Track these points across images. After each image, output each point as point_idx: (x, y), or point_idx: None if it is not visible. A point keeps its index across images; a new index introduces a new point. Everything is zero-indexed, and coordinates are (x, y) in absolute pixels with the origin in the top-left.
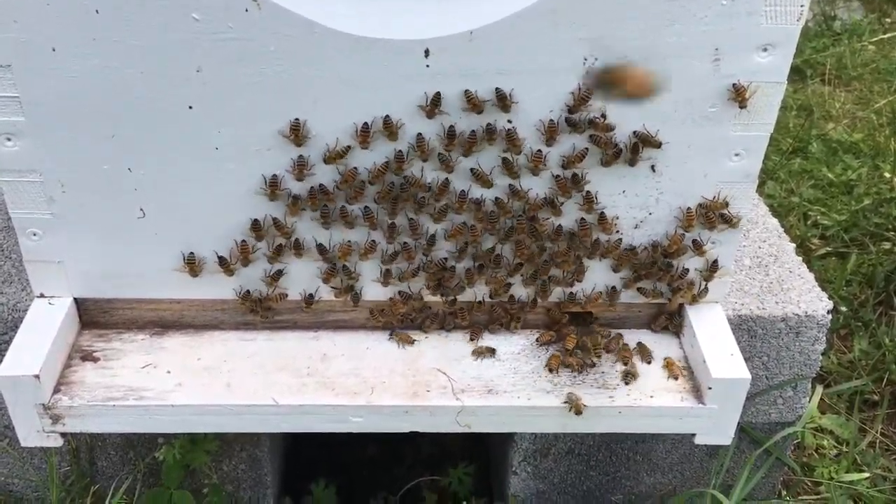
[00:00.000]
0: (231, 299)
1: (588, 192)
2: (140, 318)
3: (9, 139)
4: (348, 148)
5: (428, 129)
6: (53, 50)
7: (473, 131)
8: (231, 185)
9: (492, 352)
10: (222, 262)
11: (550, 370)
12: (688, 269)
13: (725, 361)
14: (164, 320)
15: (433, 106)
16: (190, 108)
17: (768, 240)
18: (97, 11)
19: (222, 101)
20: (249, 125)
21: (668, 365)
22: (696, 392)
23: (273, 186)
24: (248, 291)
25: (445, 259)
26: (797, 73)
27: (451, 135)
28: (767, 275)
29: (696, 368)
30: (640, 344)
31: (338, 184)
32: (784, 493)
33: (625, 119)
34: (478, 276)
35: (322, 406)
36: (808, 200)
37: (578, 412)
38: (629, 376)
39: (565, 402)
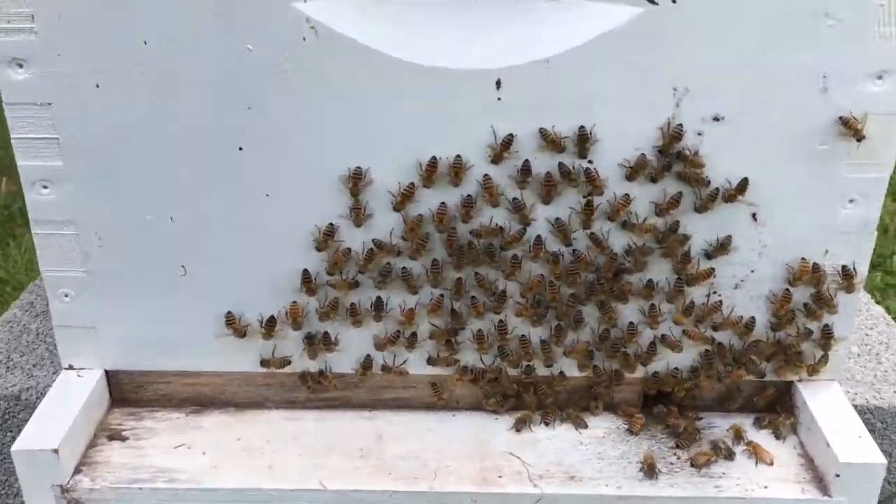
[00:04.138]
0: (278, 373)
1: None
2: (176, 395)
3: (45, 186)
4: (413, 186)
5: (496, 174)
6: (97, 86)
7: (549, 173)
8: (282, 235)
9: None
10: (269, 323)
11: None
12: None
13: (854, 444)
14: (202, 397)
15: (503, 148)
16: (240, 149)
17: (875, 327)
18: (146, 42)
19: (275, 140)
20: (305, 168)
21: (755, 449)
22: (819, 482)
23: (328, 236)
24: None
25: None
26: None
27: (525, 170)
28: (880, 363)
29: (816, 455)
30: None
31: (403, 234)
32: None
33: (721, 156)
34: (556, 342)
35: (377, 492)
36: None
37: (651, 469)
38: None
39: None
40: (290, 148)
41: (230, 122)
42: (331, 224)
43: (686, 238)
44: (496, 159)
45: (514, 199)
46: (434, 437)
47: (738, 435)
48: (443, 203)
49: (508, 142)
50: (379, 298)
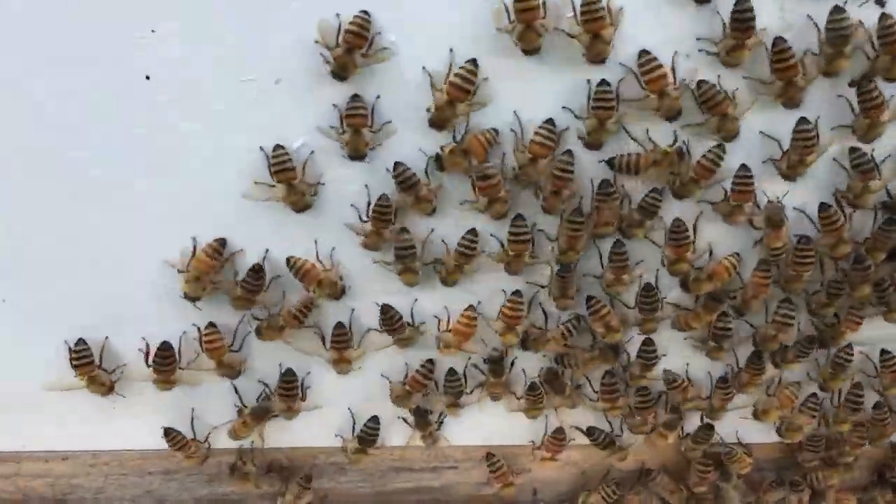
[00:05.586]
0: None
1: None
2: None
3: None
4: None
5: None
6: None
7: None
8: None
9: None
10: (165, 359)
11: None
12: None
13: None
14: (31, 500)
15: None
16: None
17: None
18: None
19: None
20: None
21: None
22: None
23: (282, 172)
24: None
25: None
26: None
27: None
28: None
29: None
30: None
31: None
32: None
33: None
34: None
35: None
36: None
37: None
38: None
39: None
40: None
41: None
42: (283, 145)
43: None
44: None
45: None
46: None
47: None
48: None
49: None
50: (387, 306)
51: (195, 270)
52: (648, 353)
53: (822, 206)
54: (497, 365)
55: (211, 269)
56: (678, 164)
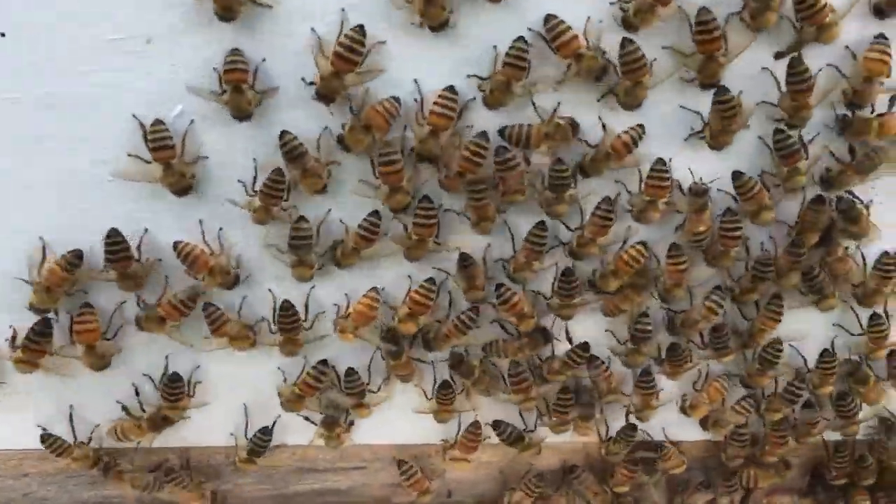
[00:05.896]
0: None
1: None
2: None
3: None
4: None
5: None
6: None
7: None
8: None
9: None
10: (41, 335)
11: None
12: None
13: None
14: None
15: None
16: None
17: None
18: None
19: None
20: None
21: None
22: None
23: (160, 150)
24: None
25: None
26: None
27: None
28: None
29: None
30: None
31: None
32: None
33: None
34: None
35: None
36: None
37: None
38: None
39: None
40: None
41: None
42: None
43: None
44: None
45: None
46: None
47: None
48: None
49: None
50: (288, 303)
51: (46, 281)
52: (577, 356)
53: (735, 175)
54: (394, 344)
55: (64, 282)
56: (572, 139)
